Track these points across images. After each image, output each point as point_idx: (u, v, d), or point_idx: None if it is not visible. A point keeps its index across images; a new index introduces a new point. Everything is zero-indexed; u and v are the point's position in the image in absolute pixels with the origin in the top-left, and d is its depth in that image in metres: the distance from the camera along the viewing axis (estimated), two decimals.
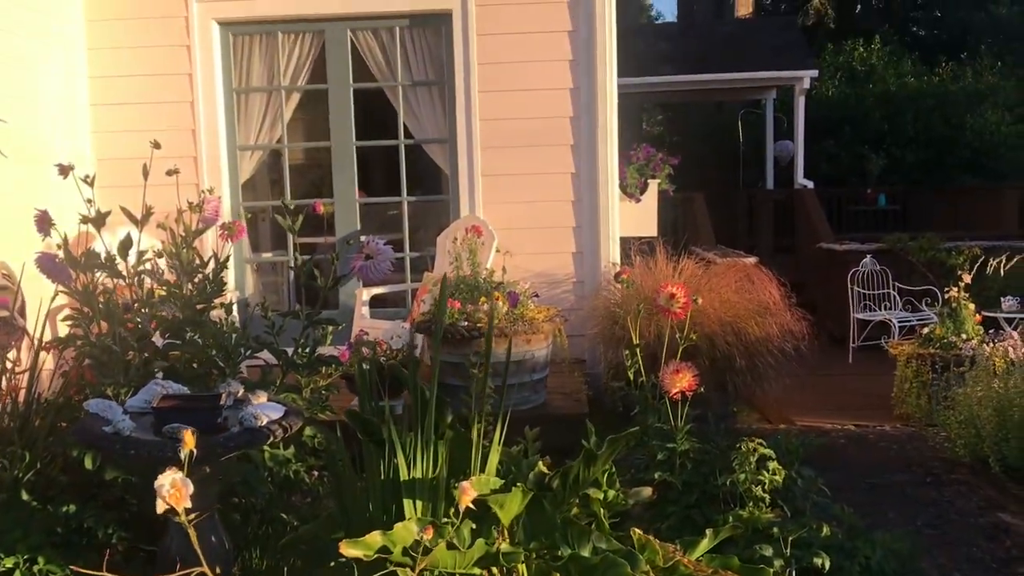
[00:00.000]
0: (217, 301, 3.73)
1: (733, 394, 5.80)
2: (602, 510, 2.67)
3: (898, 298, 9.45)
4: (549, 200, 6.78)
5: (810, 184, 12.00)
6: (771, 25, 17.35)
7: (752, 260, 9.19)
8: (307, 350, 3.70)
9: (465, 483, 2.17)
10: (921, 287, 9.44)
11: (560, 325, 5.52)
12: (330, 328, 3.90)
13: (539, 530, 2.30)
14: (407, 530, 2.14)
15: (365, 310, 6.35)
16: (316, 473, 3.73)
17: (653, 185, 7.95)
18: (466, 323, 5.23)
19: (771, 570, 2.41)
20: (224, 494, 3.12)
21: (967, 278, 7.34)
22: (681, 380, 3.45)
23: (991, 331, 6.97)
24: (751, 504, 3.18)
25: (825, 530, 3.12)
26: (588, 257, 6.83)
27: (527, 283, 5.95)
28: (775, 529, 3.01)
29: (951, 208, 13.63)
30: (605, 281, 6.67)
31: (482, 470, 2.52)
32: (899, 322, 9.02)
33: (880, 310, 9.42)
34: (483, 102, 6.65)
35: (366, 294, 6.41)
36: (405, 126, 6.89)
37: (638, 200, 7.88)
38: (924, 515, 4.92)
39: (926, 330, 7.38)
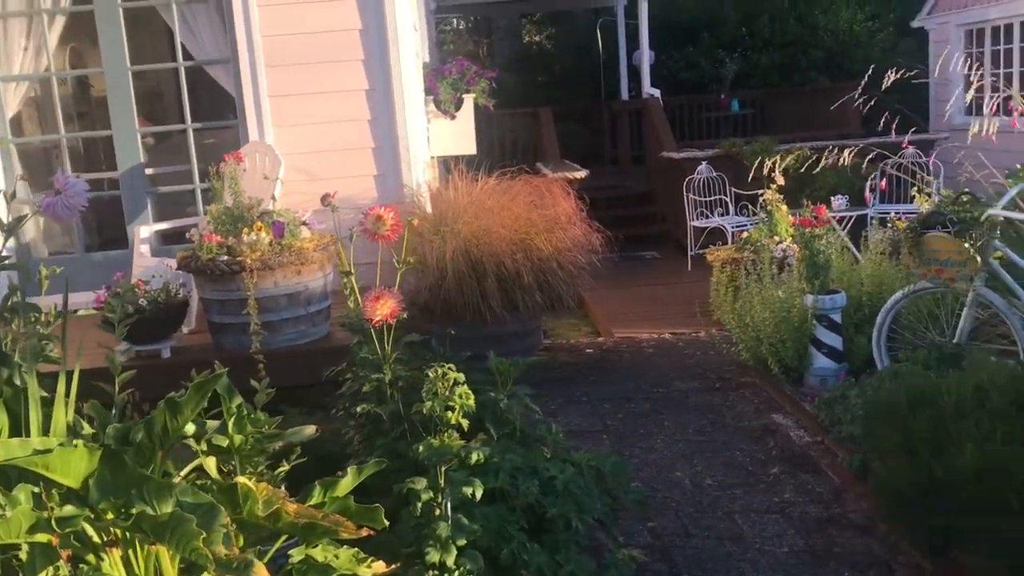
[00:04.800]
0: None
1: (527, 312, 5.66)
2: (237, 458, 2.47)
3: (731, 204, 9.45)
4: (344, 120, 6.42)
5: (657, 93, 11.84)
6: None
7: (582, 173, 9.08)
8: None
9: None
10: (757, 191, 9.45)
11: (337, 253, 5.26)
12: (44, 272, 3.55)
13: (118, 489, 2.09)
14: None
15: (145, 248, 5.95)
16: None
17: (468, 100, 7.65)
18: (227, 257, 4.93)
19: (381, 509, 2.25)
20: None
21: (780, 179, 7.30)
22: (383, 307, 3.24)
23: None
24: (447, 431, 3.03)
25: (513, 455, 2.99)
26: (390, 179, 6.54)
27: (308, 211, 5.65)
28: (463, 455, 2.86)
29: (806, 109, 13.69)
30: (410, 204, 6.41)
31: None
32: (734, 227, 9.02)
33: (715, 216, 9.42)
34: (264, 16, 6.21)
35: (145, 231, 6.02)
36: (183, 46, 6.42)
37: (453, 117, 7.57)
38: (699, 421, 4.91)
39: (745, 235, 7.38)
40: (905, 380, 3.73)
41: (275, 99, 6.35)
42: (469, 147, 7.80)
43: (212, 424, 2.47)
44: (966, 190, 4.54)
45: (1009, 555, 2.90)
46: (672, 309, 7.86)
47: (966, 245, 4.26)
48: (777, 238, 6.86)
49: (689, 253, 9.39)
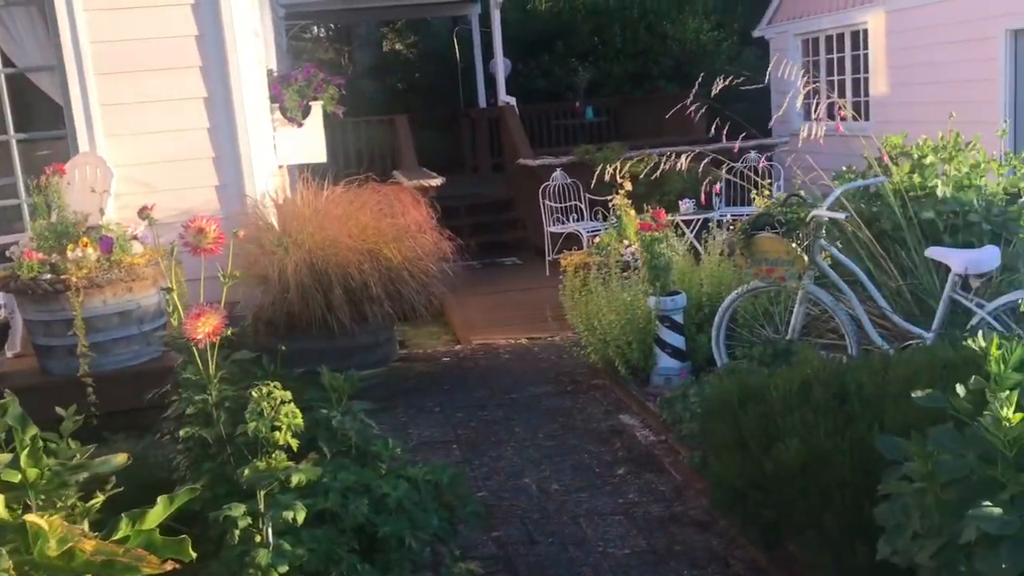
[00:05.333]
0: None
1: (377, 323, 5.55)
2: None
3: (586, 209, 9.59)
4: (182, 129, 6.15)
5: (512, 101, 11.94)
6: None
7: (437, 181, 9.04)
8: None
9: None
10: (609, 197, 9.63)
11: (172, 268, 5.02)
12: None
13: None
14: None
15: None
16: None
17: (317, 108, 7.49)
18: (50, 275, 4.64)
19: (188, 540, 2.13)
20: None
21: (628, 185, 7.45)
22: (205, 325, 3.08)
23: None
24: (275, 452, 2.90)
25: (347, 473, 2.90)
26: (232, 190, 6.31)
27: (141, 225, 5.38)
28: (285, 478, 2.75)
29: (657, 116, 14.07)
30: (253, 215, 6.20)
31: None
32: (589, 232, 9.15)
33: (570, 222, 9.55)
34: (91, 21, 5.89)
35: None
36: (2, 52, 6.02)
37: (300, 124, 7.39)
38: (550, 426, 4.93)
39: (597, 239, 7.48)
40: (737, 377, 3.84)
41: (107, 108, 6.04)
42: (319, 155, 7.64)
43: (3, 458, 2.28)
44: (795, 192, 4.72)
45: (833, 547, 3.00)
46: (530, 314, 7.89)
47: (793, 245, 4.43)
48: (626, 242, 6.98)
49: (547, 258, 9.47)
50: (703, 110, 6.08)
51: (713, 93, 5.10)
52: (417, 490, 2.98)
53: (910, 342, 4.36)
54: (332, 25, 20.01)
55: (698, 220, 8.95)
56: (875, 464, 2.81)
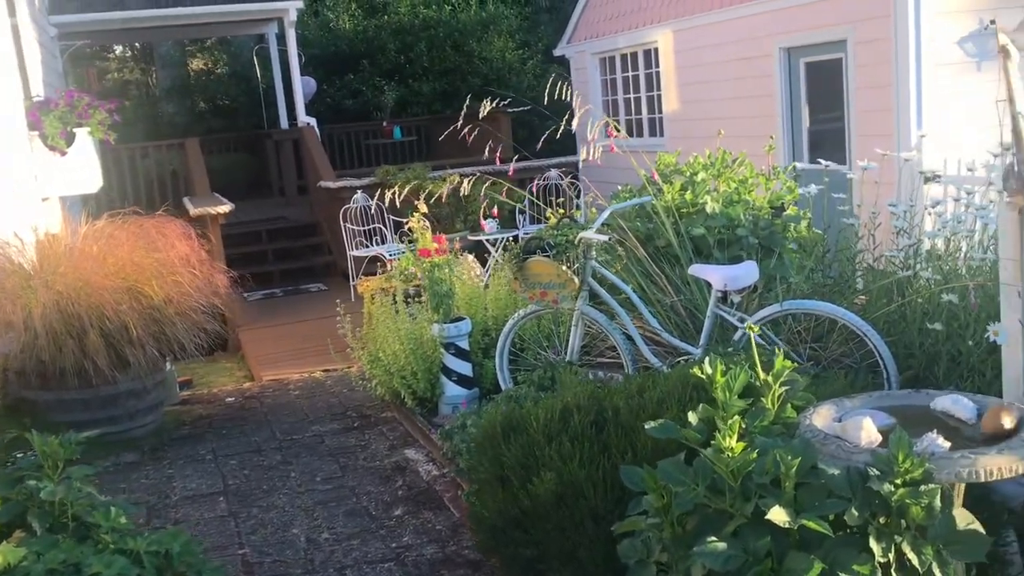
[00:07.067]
0: None
1: (143, 368, 5.12)
2: None
3: (390, 232, 9.40)
4: None
5: (313, 121, 11.61)
6: None
7: (226, 208, 8.61)
8: None
9: None
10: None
11: None
12: None
13: None
14: None
15: None
16: None
17: (83, 134, 6.93)
18: None
19: None
20: None
21: (423, 207, 7.29)
22: None
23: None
24: None
25: (58, 551, 2.57)
26: None
27: None
28: None
29: (464, 136, 14.06)
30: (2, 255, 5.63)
31: None
32: (392, 255, 8.95)
33: (374, 245, 9.32)
34: None
35: None
36: None
37: (63, 153, 6.82)
38: (330, 467, 4.68)
39: (396, 263, 7.28)
40: (503, 406, 3.73)
41: None
42: (92, 184, 7.09)
43: None
44: (567, 214, 4.69)
45: None
46: (328, 344, 7.61)
47: (563, 268, 4.38)
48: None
49: (352, 283, 9.20)
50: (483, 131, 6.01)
51: (482, 115, 5.03)
52: (139, 564, 2.68)
53: (682, 358, 4.40)
54: (138, 44, 18.98)
55: (502, 239, 8.95)
56: (629, 494, 2.74)
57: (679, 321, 4.81)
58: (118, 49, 19.73)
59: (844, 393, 3.13)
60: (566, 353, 4.69)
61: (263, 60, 14.20)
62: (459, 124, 5.51)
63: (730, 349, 4.08)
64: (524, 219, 9.63)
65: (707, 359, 2.47)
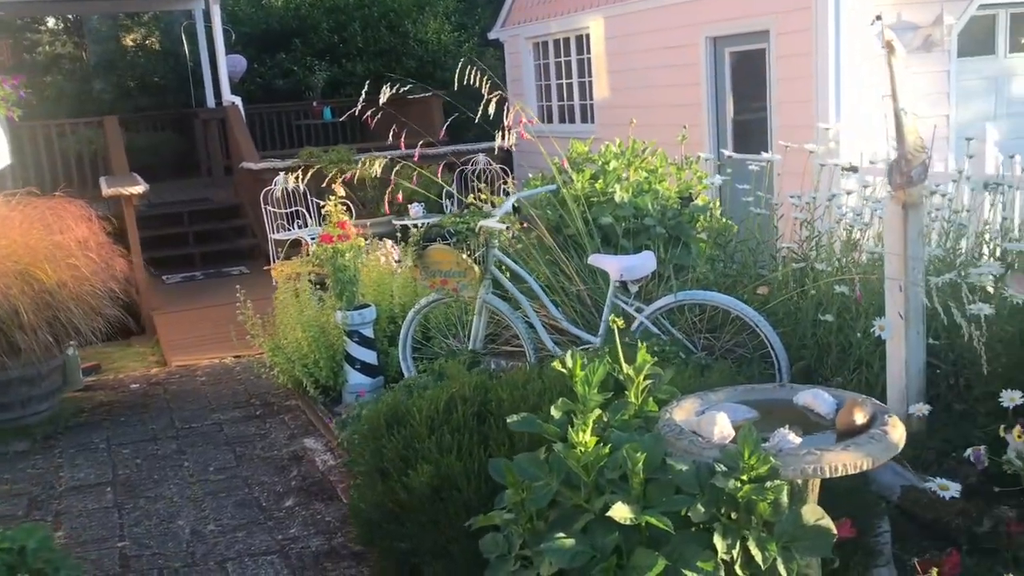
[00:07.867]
0: None
1: (35, 354, 4.95)
2: None
3: (313, 215, 9.26)
4: None
5: (238, 100, 11.35)
6: None
7: (140, 188, 8.38)
8: None
9: None
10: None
11: None
12: None
13: None
14: None
15: None
16: None
17: None
18: None
19: None
20: None
21: (341, 190, 7.19)
22: None
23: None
24: None
25: None
26: None
27: None
28: None
29: (398, 118, 13.89)
30: None
31: None
32: (313, 238, 8.81)
33: (295, 228, 9.18)
34: None
35: None
36: None
37: None
38: (225, 457, 4.58)
39: (313, 247, 7.16)
40: (389, 397, 3.68)
41: None
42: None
43: None
44: (471, 202, 4.63)
45: None
46: (243, 329, 7.47)
47: (464, 256, 4.33)
48: None
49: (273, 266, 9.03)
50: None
51: (382, 101, 4.94)
52: None
53: (583, 347, 4.39)
54: (71, 17, 18.35)
55: (426, 224, 8.86)
56: (503, 488, 2.70)
57: (584, 311, 4.79)
58: (51, 22, 19.10)
59: (734, 383, 3.14)
60: (470, 342, 4.65)
61: (191, 37, 13.86)
62: (358, 109, 5.39)
63: (627, 340, 4.08)
64: (452, 204, 9.56)
65: (568, 353, 2.44)
